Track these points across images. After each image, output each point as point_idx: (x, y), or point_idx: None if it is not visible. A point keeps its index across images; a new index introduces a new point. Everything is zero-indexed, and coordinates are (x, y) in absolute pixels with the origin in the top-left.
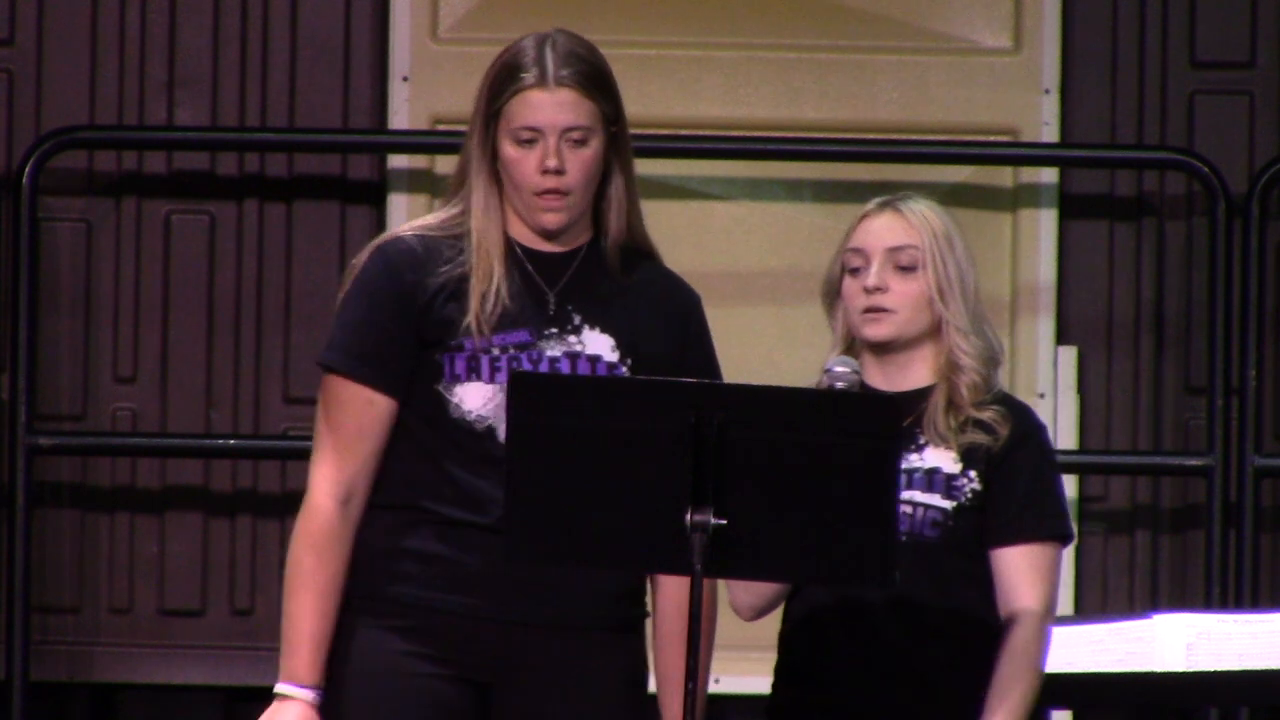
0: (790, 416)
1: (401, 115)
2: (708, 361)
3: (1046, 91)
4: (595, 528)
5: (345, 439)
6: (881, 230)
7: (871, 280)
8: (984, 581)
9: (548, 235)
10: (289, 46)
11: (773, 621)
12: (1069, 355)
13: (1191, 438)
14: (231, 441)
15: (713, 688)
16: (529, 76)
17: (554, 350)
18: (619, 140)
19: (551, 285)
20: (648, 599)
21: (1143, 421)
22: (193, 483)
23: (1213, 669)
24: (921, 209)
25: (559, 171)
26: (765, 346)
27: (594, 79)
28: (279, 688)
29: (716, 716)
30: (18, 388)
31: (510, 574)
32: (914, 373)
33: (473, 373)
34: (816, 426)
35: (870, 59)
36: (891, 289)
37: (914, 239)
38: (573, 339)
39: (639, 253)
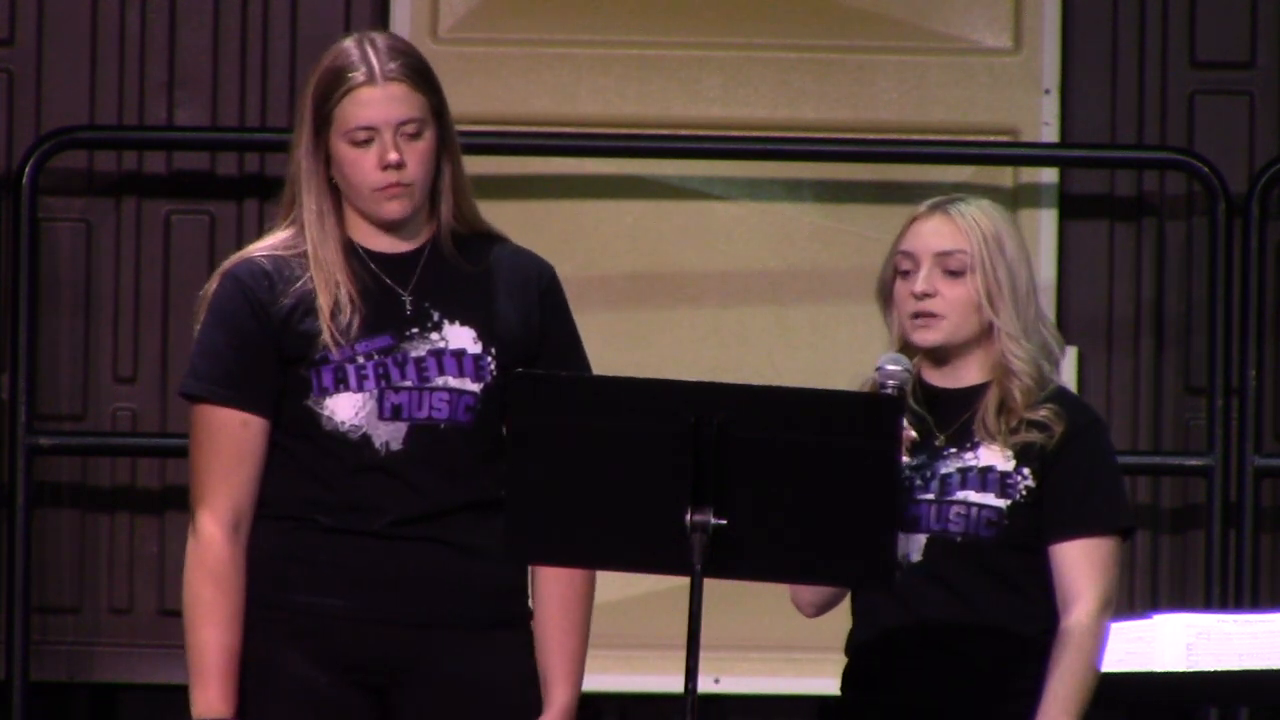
0: (790, 416)
1: None
2: (569, 334)
3: (1046, 91)
4: (595, 528)
5: (226, 466)
6: (930, 234)
7: (920, 286)
8: (1044, 576)
9: (393, 228)
10: (289, 46)
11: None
12: (1069, 355)
13: (1191, 438)
14: None
15: (713, 688)
16: (357, 75)
17: (418, 350)
18: (445, 132)
19: (404, 286)
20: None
21: (1143, 421)
22: None
23: (1213, 669)
24: (972, 212)
25: (399, 165)
26: (765, 346)
27: (420, 72)
28: None
29: (717, 716)
30: (18, 388)
31: (392, 575)
32: (968, 372)
33: (340, 383)
34: (817, 427)
35: (870, 59)
36: (940, 294)
37: (962, 243)
38: (434, 335)
39: (484, 237)
